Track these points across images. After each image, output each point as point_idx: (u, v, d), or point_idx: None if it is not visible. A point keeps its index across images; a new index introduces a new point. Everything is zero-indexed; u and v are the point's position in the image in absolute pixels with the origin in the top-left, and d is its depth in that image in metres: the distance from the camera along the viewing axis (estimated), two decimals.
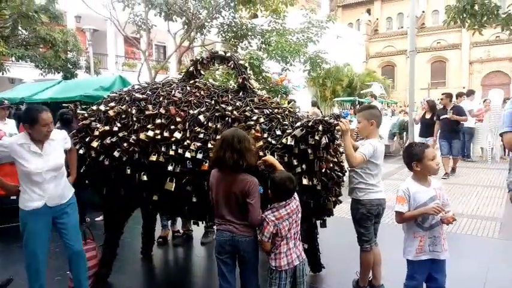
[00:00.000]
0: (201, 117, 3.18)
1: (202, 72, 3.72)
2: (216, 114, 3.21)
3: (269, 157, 2.87)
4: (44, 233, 3.04)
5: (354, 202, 3.31)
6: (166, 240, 4.85)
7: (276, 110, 3.29)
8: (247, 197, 2.61)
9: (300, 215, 2.74)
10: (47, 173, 2.96)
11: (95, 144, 3.36)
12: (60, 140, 3.17)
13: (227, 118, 3.18)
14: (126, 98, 3.50)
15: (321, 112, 10.33)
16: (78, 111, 3.73)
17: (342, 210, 5.25)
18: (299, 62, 10.31)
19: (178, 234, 4.94)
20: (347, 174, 3.41)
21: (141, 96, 3.43)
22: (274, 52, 9.47)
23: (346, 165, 3.37)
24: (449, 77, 39.43)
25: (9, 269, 4.22)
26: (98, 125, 3.43)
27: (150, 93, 3.47)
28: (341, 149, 3.40)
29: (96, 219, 5.65)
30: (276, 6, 10.01)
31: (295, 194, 2.73)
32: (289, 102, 11.57)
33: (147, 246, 4.37)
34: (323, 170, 3.11)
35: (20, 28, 11.80)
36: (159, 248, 4.66)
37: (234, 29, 10.08)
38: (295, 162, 3.02)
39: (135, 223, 4.42)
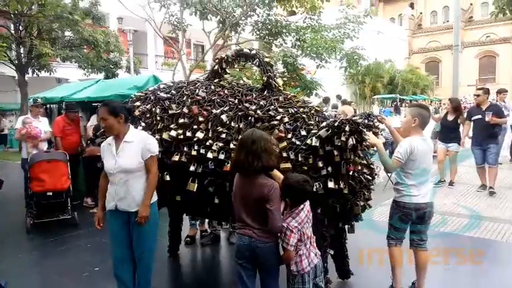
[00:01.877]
0: (224, 116, 3.11)
1: (227, 70, 3.65)
2: (239, 113, 3.13)
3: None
4: (120, 234, 2.98)
5: (393, 201, 3.28)
6: (194, 240, 4.83)
7: (301, 109, 3.15)
8: (267, 202, 2.47)
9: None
10: (118, 175, 2.88)
11: None
12: (138, 144, 2.89)
13: (250, 118, 3.08)
14: (151, 97, 3.49)
15: (355, 111, 9.99)
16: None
17: (376, 213, 5.02)
18: (335, 59, 10.03)
19: (205, 233, 4.90)
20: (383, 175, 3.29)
21: (165, 95, 3.41)
22: (309, 49, 9.26)
23: (380, 168, 3.25)
24: (500, 73, 37.23)
25: (43, 263, 4.38)
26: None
27: (174, 92, 3.44)
28: (371, 151, 3.22)
29: None
30: (311, 4, 9.76)
31: None
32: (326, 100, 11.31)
33: (174, 245, 4.35)
34: (350, 173, 2.95)
35: (58, 30, 12.39)
36: (186, 247, 4.65)
37: (269, 27, 9.96)
38: (320, 165, 2.87)
39: (162, 221, 4.42)
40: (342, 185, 2.88)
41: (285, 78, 9.32)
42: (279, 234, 2.52)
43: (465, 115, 7.31)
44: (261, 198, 2.49)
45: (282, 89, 3.44)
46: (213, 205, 3.17)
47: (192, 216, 4.53)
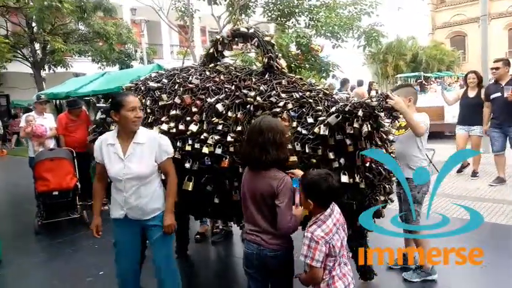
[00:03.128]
0: (219, 105, 2.75)
1: (224, 53, 3.27)
2: (237, 101, 2.76)
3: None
4: (128, 246, 2.66)
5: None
6: (204, 237, 4.54)
7: (307, 93, 2.76)
8: (277, 198, 2.12)
9: (345, 224, 2.18)
10: (128, 181, 2.48)
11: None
12: (151, 145, 2.51)
13: (249, 105, 2.71)
14: (142, 87, 3.16)
15: (376, 91, 9.40)
16: (98, 105, 3.47)
17: None
18: (352, 37, 9.44)
19: (216, 230, 4.60)
20: None
21: (155, 85, 3.07)
22: (323, 28, 8.71)
23: None
24: None
25: (50, 265, 4.19)
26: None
27: (165, 80, 3.09)
28: (390, 137, 2.80)
29: None
30: None
31: None
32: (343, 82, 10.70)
33: (182, 245, 4.06)
34: (367, 164, 2.55)
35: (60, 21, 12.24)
36: (196, 246, 4.36)
37: (280, 7, 9.46)
38: (331, 156, 2.49)
39: None
40: (357, 179, 2.49)
41: (299, 61, 8.83)
42: (303, 246, 2.03)
43: (470, 95, 6.17)
44: (270, 193, 2.14)
45: (285, 71, 3.04)
46: (213, 205, 2.84)
47: (194, 216, 4.22)
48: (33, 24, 14.02)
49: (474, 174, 6.32)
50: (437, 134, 9.83)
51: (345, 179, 2.47)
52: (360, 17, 9.27)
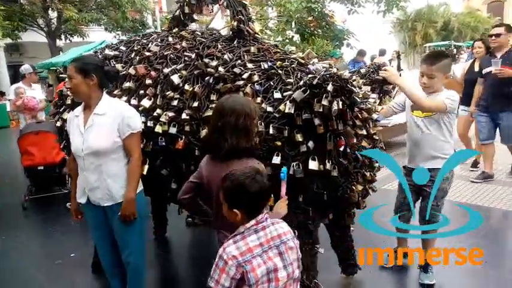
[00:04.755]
0: (175, 77, 2.38)
1: (195, 17, 2.86)
2: (195, 72, 2.38)
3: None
4: (98, 228, 2.39)
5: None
6: (194, 219, 4.27)
7: (278, 63, 2.34)
8: None
9: (295, 254, 1.58)
10: (87, 157, 2.20)
11: (65, 115, 2.79)
12: (113, 116, 2.19)
13: (208, 77, 2.32)
14: (99, 56, 2.81)
15: (399, 63, 8.71)
16: (61, 76, 3.18)
17: None
18: (371, 2, 8.71)
19: None
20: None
21: (112, 53, 2.72)
22: None
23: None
24: None
25: (26, 245, 4.03)
26: (69, 92, 2.83)
27: (123, 48, 2.74)
28: (374, 116, 2.37)
29: None
30: None
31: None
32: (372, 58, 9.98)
33: (160, 227, 3.83)
34: (341, 148, 2.15)
35: None
36: (178, 228, 4.10)
37: None
38: (298, 138, 2.10)
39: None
40: (328, 166, 2.10)
41: (312, 28, 8.24)
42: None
43: (476, 68, 4.99)
44: None
45: (259, 36, 2.62)
46: (171, 190, 2.53)
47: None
48: None
49: (475, 164, 5.35)
50: None
51: (313, 165, 2.08)
52: None
